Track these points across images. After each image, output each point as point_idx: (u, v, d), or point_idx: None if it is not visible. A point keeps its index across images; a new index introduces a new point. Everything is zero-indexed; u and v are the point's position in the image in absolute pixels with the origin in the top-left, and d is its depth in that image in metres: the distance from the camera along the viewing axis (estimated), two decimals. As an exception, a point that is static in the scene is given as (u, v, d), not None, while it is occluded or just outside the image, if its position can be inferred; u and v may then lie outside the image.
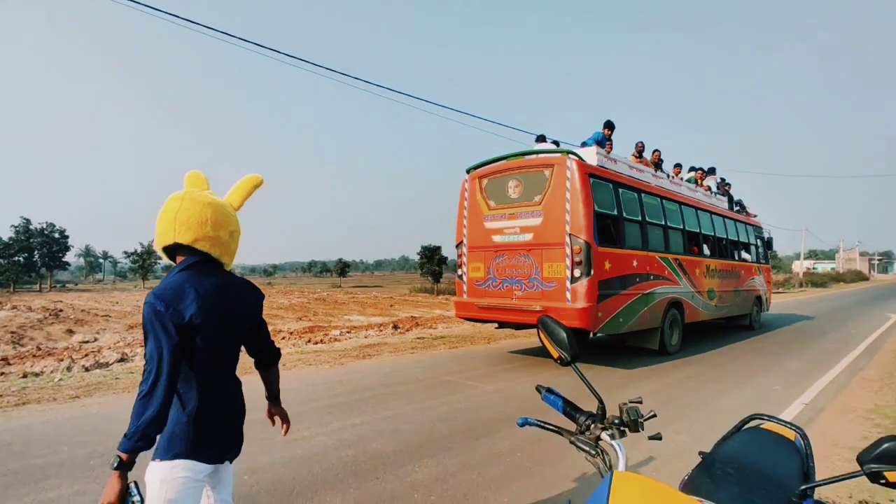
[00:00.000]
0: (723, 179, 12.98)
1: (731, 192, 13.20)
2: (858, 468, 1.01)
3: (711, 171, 12.37)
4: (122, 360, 8.53)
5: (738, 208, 13.41)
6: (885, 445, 0.95)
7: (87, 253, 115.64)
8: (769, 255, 14.65)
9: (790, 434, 1.86)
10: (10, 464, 3.71)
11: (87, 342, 13.19)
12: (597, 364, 7.93)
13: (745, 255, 12.87)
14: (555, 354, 1.53)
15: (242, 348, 1.90)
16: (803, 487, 1.07)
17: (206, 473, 1.68)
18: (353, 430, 4.56)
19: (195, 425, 1.64)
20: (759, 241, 13.80)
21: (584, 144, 8.91)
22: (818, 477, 1.26)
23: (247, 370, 2.72)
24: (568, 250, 7.13)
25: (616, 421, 1.42)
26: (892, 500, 3.25)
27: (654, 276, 8.46)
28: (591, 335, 8.82)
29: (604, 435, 1.40)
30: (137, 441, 1.46)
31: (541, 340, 1.60)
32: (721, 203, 12.10)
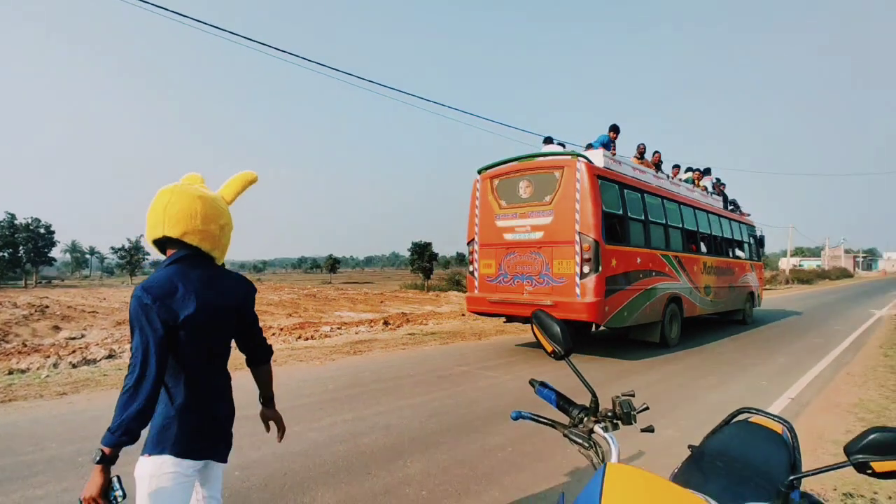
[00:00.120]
0: (718, 179, 13.39)
1: (726, 191, 13.61)
2: (845, 459, 1.03)
3: (707, 171, 12.71)
4: (110, 356, 8.44)
5: (732, 207, 13.78)
6: (872, 436, 0.97)
7: (74, 248, 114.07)
8: (761, 252, 15.09)
9: (778, 427, 1.88)
10: (-4, 461, 3.67)
11: (73, 338, 13.04)
12: (599, 356, 8.29)
13: (738, 252, 13.29)
14: (548, 348, 1.54)
15: (234, 344, 1.89)
16: (792, 478, 1.09)
17: (195, 469, 1.67)
18: (344, 426, 4.56)
19: (183, 420, 1.63)
20: (751, 239, 14.25)
21: (589, 146, 9.38)
22: (805, 469, 1.29)
23: (236, 366, 2.70)
24: (577, 248, 7.47)
25: (609, 414, 1.43)
26: (876, 493, 3.31)
27: (655, 273, 8.84)
28: (594, 328, 9.14)
29: (597, 428, 1.41)
30: (121, 435, 1.45)
31: (534, 334, 1.61)
32: (717, 203, 12.54)
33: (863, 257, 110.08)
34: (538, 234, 7.99)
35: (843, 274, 69.59)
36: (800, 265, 78.24)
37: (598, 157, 8.24)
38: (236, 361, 1.84)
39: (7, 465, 3.59)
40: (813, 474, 1.07)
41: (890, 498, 3.25)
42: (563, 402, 1.55)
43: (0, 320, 16.29)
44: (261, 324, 1.98)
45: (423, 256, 56.18)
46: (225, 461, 1.80)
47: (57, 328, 15.80)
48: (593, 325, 8.06)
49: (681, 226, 10.08)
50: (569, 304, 7.51)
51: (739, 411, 2.02)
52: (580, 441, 1.39)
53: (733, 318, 13.19)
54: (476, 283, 8.89)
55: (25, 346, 11.48)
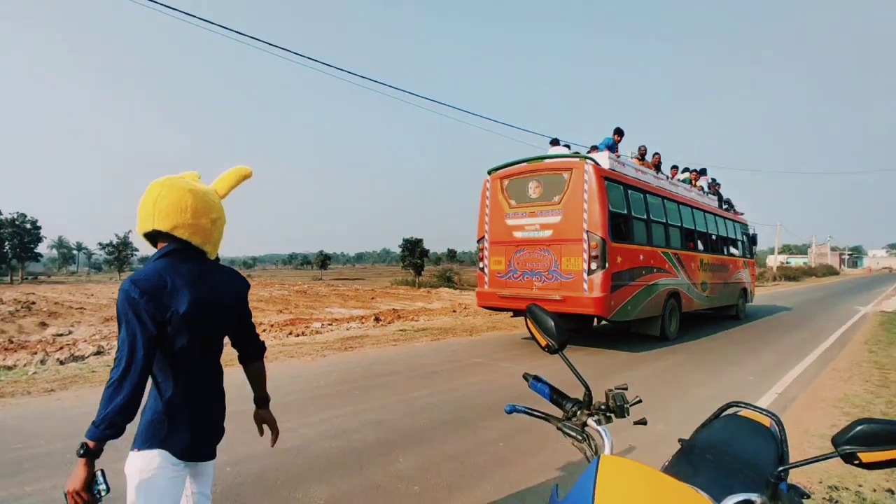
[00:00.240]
0: (713, 179, 13.79)
1: (720, 191, 14.03)
2: (832, 450, 1.06)
3: (703, 171, 13.20)
4: (98, 353, 8.37)
5: (726, 207, 14.19)
6: (859, 428, 0.99)
7: (61, 244, 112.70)
8: (753, 250, 15.61)
9: (766, 421, 1.91)
10: (-16, 458, 3.63)
11: (61, 335, 12.91)
12: (599, 348, 8.69)
13: (733, 250, 13.78)
14: (542, 342, 1.55)
15: (227, 339, 1.88)
16: (780, 469, 1.11)
17: (185, 464, 1.65)
18: (336, 422, 4.56)
19: (173, 415, 1.62)
20: (745, 237, 14.71)
21: (594, 148, 9.71)
22: (792, 461, 1.31)
23: (227, 362, 2.69)
24: (585, 245, 7.85)
25: (602, 407, 1.45)
26: (861, 486, 3.37)
27: (657, 269, 9.27)
28: (595, 322, 9.99)
29: (590, 421, 1.43)
30: (105, 429, 1.44)
31: (528, 329, 1.62)
32: (712, 202, 12.96)
33: (848, 255, 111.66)
34: (547, 233, 8.35)
35: (829, 271, 70.43)
36: (787, 262, 79.11)
37: (604, 160, 8.56)
38: (227, 357, 1.83)
39: (-5, 462, 3.55)
40: (802, 465, 1.10)
41: (874, 490, 3.31)
42: (556, 396, 1.56)
43: (-15, 316, 16.08)
44: (252, 320, 1.96)
45: (414, 253, 56.02)
46: (213, 457, 1.78)
47: (44, 324, 15.63)
48: (595, 319, 8.61)
49: (679, 224, 10.51)
50: (577, 298, 7.88)
51: (728, 405, 2.04)
52: (574, 434, 1.40)
53: (727, 314, 13.57)
54: (486, 279, 9.22)
55: (12, 342, 11.33)
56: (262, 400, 2.02)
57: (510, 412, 1.57)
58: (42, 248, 73.49)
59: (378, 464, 3.63)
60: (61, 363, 7.45)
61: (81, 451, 1.43)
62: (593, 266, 7.76)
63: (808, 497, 1.04)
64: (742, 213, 15.19)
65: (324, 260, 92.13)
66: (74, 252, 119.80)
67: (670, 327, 9.64)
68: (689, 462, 1.62)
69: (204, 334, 1.66)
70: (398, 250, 60.13)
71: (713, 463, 1.58)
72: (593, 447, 1.37)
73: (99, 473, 1.46)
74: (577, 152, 9.38)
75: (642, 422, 1.57)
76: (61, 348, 8.78)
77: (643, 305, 8.77)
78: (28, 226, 67.03)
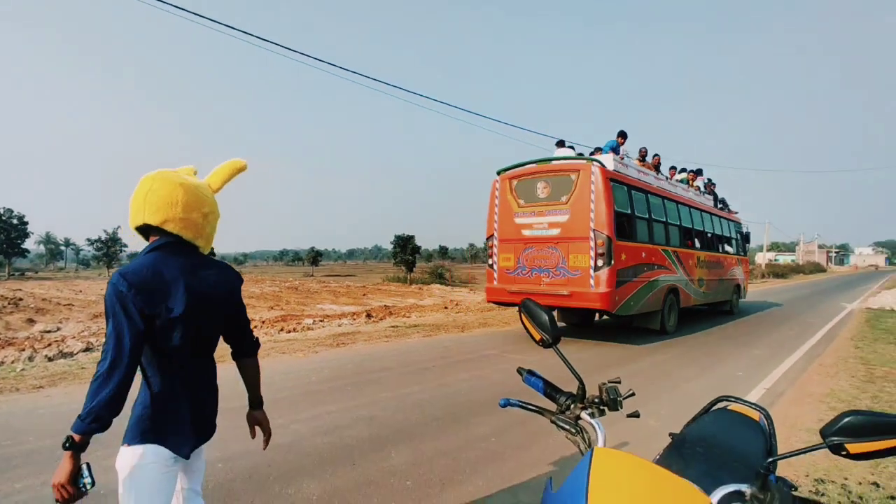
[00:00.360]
0: (709, 180, 14.29)
1: (716, 191, 14.49)
2: (820, 442, 1.08)
3: (699, 172, 13.65)
4: (87, 349, 8.29)
5: (721, 206, 14.60)
6: (847, 419, 1.01)
7: (48, 240, 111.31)
8: (747, 248, 16.17)
9: (755, 414, 1.94)
10: (-28, 455, 3.60)
11: (49, 332, 12.77)
12: (597, 341, 9.12)
13: (727, 248, 14.22)
14: (536, 337, 1.56)
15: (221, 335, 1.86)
16: (770, 460, 1.13)
17: (176, 459, 1.64)
18: (328, 418, 4.56)
19: (164, 410, 1.61)
20: (738, 235, 15.17)
21: (597, 150, 10.23)
22: (780, 453, 1.33)
23: (219, 358, 2.68)
24: (592, 243, 8.22)
25: (595, 400, 1.46)
26: (847, 479, 3.42)
27: (657, 266, 9.66)
28: (597, 317, 10.59)
29: (583, 414, 1.44)
30: (91, 423, 1.43)
31: (522, 323, 1.63)
32: (708, 201, 13.44)
33: (835, 252, 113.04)
34: (555, 231, 8.71)
35: (817, 268, 71.26)
36: (775, 260, 79.93)
37: (609, 161, 8.91)
38: (220, 353, 1.82)
39: (-17, 459, 3.52)
40: (791, 456, 1.12)
41: (860, 483, 3.36)
42: (550, 390, 1.57)
43: (-29, 313, 15.88)
44: (246, 315, 1.94)
45: (405, 249, 56.00)
46: (188, 457, 1.72)
47: (31, 321, 15.46)
48: (597, 314, 9.09)
49: (678, 223, 10.95)
50: (584, 294, 8.28)
51: (718, 399, 2.07)
52: (567, 427, 1.41)
53: (721, 309, 14.02)
54: (495, 275, 9.58)
55: (-2, 339, 11.21)
56: (255, 401, 1.99)
57: (504, 406, 1.58)
58: (29, 244, 72.65)
59: (370, 459, 3.64)
60: (49, 360, 7.37)
61: (67, 444, 1.43)
62: (599, 263, 8.13)
63: (796, 489, 1.06)
64: (736, 212, 15.66)
65: (315, 256, 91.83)
66: (62, 248, 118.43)
67: (669, 322, 10.03)
68: (679, 455, 1.64)
69: (194, 329, 1.65)
70: (390, 247, 60.07)
71: (704, 456, 1.60)
72: (587, 440, 1.38)
73: (84, 467, 1.47)
74: (580, 153, 9.88)
75: (635, 415, 1.59)
76: (49, 345, 8.69)
77: (645, 300, 9.14)
78: (15, 221, 66.20)
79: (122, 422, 1.63)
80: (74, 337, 10.33)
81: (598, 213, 8.20)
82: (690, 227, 11.62)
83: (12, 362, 7.12)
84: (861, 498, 3.16)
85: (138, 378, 1.65)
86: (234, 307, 1.83)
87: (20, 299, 20.46)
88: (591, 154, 9.95)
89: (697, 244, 12.01)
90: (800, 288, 29.36)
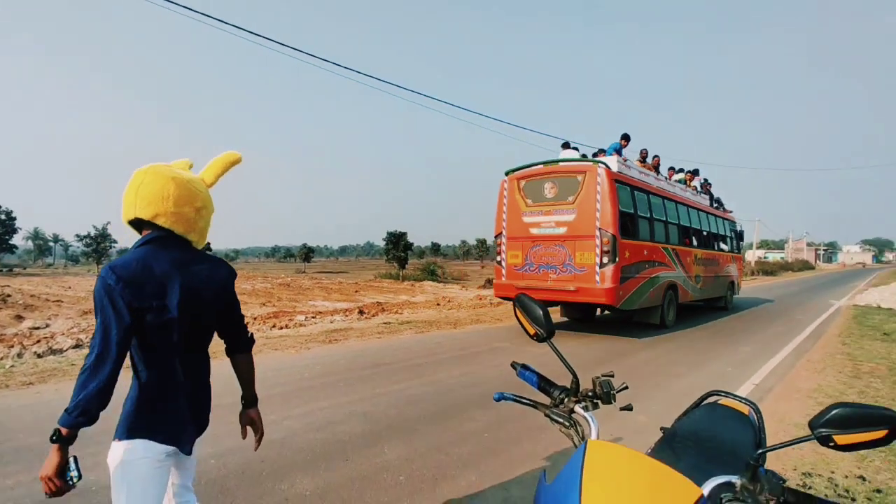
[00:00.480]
0: (705, 180, 14.73)
1: (711, 190, 14.91)
2: (808, 435, 1.10)
3: (696, 172, 14.17)
4: (76, 346, 8.22)
5: (716, 205, 15.01)
6: (835, 411, 1.03)
7: (36, 236, 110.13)
8: (741, 246, 16.69)
9: (744, 409, 1.97)
10: (-39, 452, 3.57)
11: (38, 328, 12.63)
12: (596, 334, 9.53)
13: (722, 245, 14.62)
14: (531, 331, 1.57)
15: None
16: (760, 451, 1.15)
17: (167, 454, 1.64)
18: (321, 414, 4.56)
19: (154, 404, 1.61)
20: (733, 233, 15.64)
21: (601, 151, 10.83)
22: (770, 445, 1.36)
23: (212, 355, 2.67)
24: (598, 241, 8.56)
25: (589, 394, 1.48)
26: (833, 472, 3.48)
27: (658, 263, 10.05)
28: (599, 312, 11.23)
29: (577, 408, 1.46)
30: (78, 416, 1.44)
31: (517, 318, 1.64)
32: (704, 201, 13.89)
33: (824, 250, 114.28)
34: (562, 230, 9.06)
35: (805, 266, 71.99)
36: (765, 257, 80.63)
37: (614, 163, 9.27)
38: (212, 349, 1.81)
39: (-28, 456, 3.49)
40: (780, 447, 1.14)
41: (846, 477, 3.41)
42: (544, 384, 1.59)
43: (-42, 309, 15.69)
44: (240, 311, 1.92)
45: (398, 246, 55.96)
46: (189, 452, 1.74)
47: (20, 317, 15.28)
48: (598, 309, 9.89)
49: (677, 222, 11.37)
50: (589, 289, 8.64)
51: (709, 394, 2.10)
52: (561, 420, 1.43)
53: (716, 305, 14.42)
54: (504, 272, 9.91)
55: (-14, 335, 11.08)
56: (250, 399, 1.96)
57: (499, 400, 1.59)
58: (17, 240, 71.78)
59: (363, 455, 3.64)
60: (39, 356, 7.31)
61: (54, 437, 1.44)
62: (605, 260, 8.48)
63: (785, 482, 1.08)
64: (731, 211, 16.16)
65: (307, 253, 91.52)
66: (51, 244, 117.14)
67: (669, 316, 10.44)
68: (671, 449, 1.66)
69: (185, 323, 1.64)
70: (382, 244, 59.98)
71: (694, 449, 1.62)
72: (580, 433, 1.39)
73: (72, 460, 1.48)
74: (584, 155, 10.38)
75: (628, 408, 1.61)
76: (38, 341, 8.61)
77: (646, 296, 9.53)
78: (2, 217, 65.38)
79: (113, 418, 1.63)
80: (64, 333, 10.25)
81: (603, 212, 8.54)
82: (688, 225, 12.03)
83: (1, 359, 7.05)
84: (847, 491, 3.21)
85: (130, 373, 1.65)
86: (227, 302, 1.81)
87: (8, 295, 20.22)
88: (594, 155, 10.51)
89: (695, 242, 12.41)
90: (788, 285, 29.66)
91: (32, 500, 2.89)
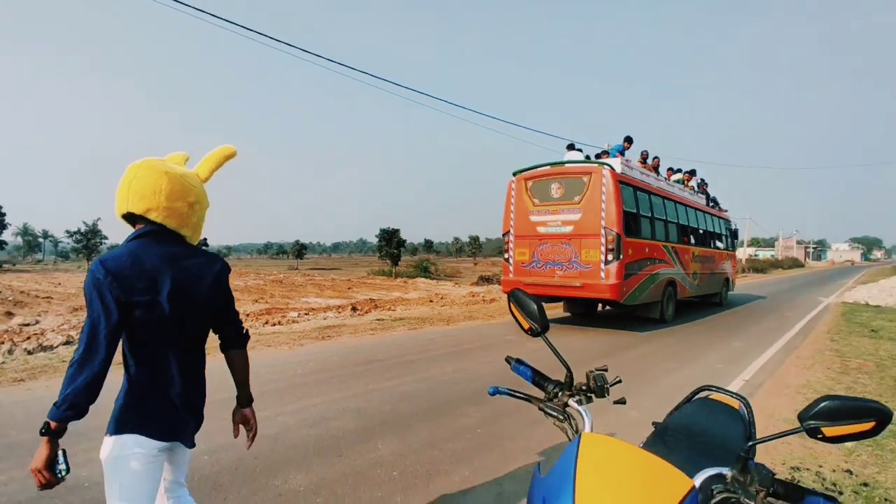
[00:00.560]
0: (702, 179, 15.08)
1: (708, 190, 15.28)
2: (797, 427, 1.12)
3: (693, 172, 14.57)
4: (67, 342, 8.16)
5: (712, 204, 15.37)
6: (823, 404, 1.05)
7: (26, 232, 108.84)
8: (735, 244, 17.25)
9: (735, 403, 2.00)
10: (-49, 448, 3.54)
11: (28, 325, 12.53)
12: (595, 328, 9.97)
13: (718, 243, 15.06)
14: (525, 326, 1.58)
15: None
16: (750, 443, 1.17)
17: (160, 450, 1.63)
18: (314, 410, 4.56)
19: (146, 400, 1.61)
20: (728, 232, 16.12)
21: (603, 152, 11.34)
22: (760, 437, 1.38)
23: (207, 351, 2.67)
24: (603, 239, 8.95)
25: (583, 388, 1.49)
26: (821, 466, 3.53)
27: (658, 261, 10.44)
28: (600, 307, 11.63)
29: (571, 401, 1.47)
30: (66, 410, 1.44)
31: (512, 313, 1.65)
32: (701, 200, 14.35)
33: (813, 248, 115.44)
34: (568, 228, 9.42)
35: (795, 263, 72.70)
36: (755, 255, 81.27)
37: (617, 164, 9.61)
38: (206, 345, 1.80)
39: (-37, 453, 3.47)
40: (770, 439, 1.16)
41: (834, 471, 3.47)
42: (538, 378, 1.60)
43: (-54, 305, 15.52)
44: (235, 307, 1.90)
45: (391, 243, 55.82)
46: (192, 445, 1.76)
47: (10, 314, 15.14)
48: (600, 304, 10.36)
49: (676, 221, 11.79)
50: (595, 285, 9.03)
51: (700, 389, 2.13)
52: (555, 414, 1.44)
53: (712, 301, 14.91)
54: (511, 269, 10.29)
55: (-25, 332, 10.98)
56: (244, 397, 1.93)
57: (493, 394, 1.60)
58: (6, 236, 70.98)
59: (357, 451, 3.65)
60: (29, 353, 7.25)
61: (43, 430, 1.45)
62: (609, 257, 8.87)
63: (774, 474, 1.10)
64: (726, 210, 16.58)
65: (300, 250, 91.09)
66: (40, 240, 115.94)
67: (668, 311, 10.87)
68: (663, 443, 1.68)
69: (176, 318, 1.62)
70: (375, 241, 59.83)
71: (686, 443, 1.64)
72: (574, 426, 1.41)
73: (61, 453, 1.48)
74: (588, 156, 10.80)
75: (621, 401, 1.62)
76: (29, 338, 8.54)
77: (647, 292, 9.94)
78: (-9, 212, 64.58)
79: (106, 414, 1.63)
80: (54, 330, 10.17)
81: (608, 212, 8.91)
82: (687, 224, 12.48)
83: (-10, 355, 6.99)
84: (835, 485, 3.25)
85: (122, 368, 1.64)
86: (220, 298, 1.79)
87: (-3, 292, 20.02)
88: (597, 156, 10.96)
89: (693, 240, 12.85)
90: (779, 282, 29.92)
91: (25, 496, 2.88)
